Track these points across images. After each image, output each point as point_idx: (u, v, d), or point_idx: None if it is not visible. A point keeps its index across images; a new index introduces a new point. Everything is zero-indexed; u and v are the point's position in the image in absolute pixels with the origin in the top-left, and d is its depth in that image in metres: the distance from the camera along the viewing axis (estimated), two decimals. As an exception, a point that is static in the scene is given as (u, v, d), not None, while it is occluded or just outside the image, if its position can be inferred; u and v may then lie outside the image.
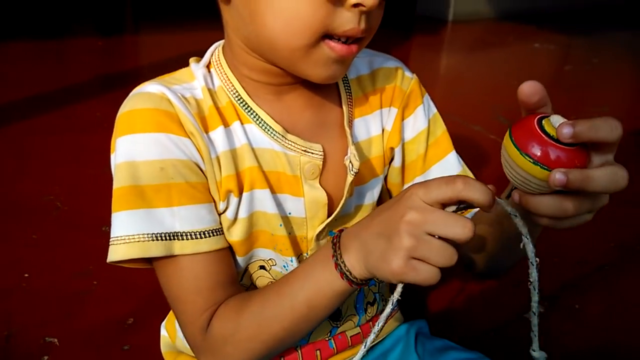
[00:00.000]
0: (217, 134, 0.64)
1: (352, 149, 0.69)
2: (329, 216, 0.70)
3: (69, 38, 3.50)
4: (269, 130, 0.66)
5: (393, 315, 0.85)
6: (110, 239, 0.61)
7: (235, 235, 0.66)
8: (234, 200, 0.65)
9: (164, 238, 0.60)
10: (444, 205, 0.49)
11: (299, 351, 0.74)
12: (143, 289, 1.21)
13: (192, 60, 0.70)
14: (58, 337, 1.10)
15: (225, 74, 0.67)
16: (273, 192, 0.67)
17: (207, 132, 0.63)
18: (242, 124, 0.65)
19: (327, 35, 0.57)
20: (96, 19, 3.67)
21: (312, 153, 0.67)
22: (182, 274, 0.62)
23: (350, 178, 0.68)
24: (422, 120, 0.76)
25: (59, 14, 3.61)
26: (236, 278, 0.67)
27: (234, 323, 0.60)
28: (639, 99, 3.03)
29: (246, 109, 0.66)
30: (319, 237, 0.70)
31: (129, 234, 0.60)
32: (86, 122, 2.19)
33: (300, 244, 0.71)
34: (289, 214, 0.69)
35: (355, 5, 0.55)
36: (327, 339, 0.75)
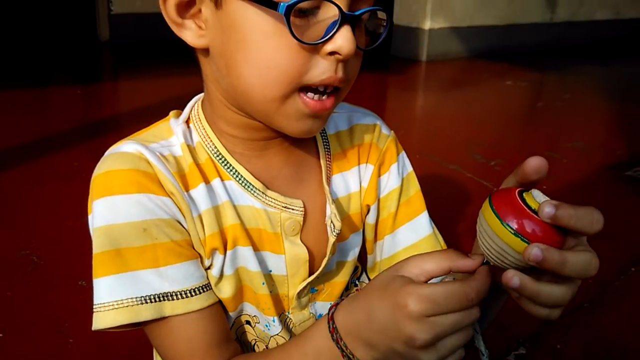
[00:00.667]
0: (199, 192, 0.63)
1: (332, 208, 0.69)
2: (310, 273, 0.69)
3: (47, 87, 3.50)
4: (249, 187, 0.65)
5: None
6: (95, 306, 0.59)
7: (225, 292, 0.65)
8: (219, 257, 0.64)
9: (153, 300, 0.58)
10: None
11: None
12: (120, 348, 1.19)
13: (171, 114, 0.69)
14: (32, 400, 1.07)
15: (204, 129, 0.66)
16: (255, 249, 0.66)
17: (187, 190, 0.62)
18: (222, 180, 0.65)
19: (304, 88, 0.57)
20: (75, 67, 3.68)
21: (293, 209, 0.67)
22: (175, 336, 0.60)
23: (332, 239, 0.68)
24: (395, 178, 0.76)
25: (37, 63, 3.62)
26: (230, 334, 0.66)
27: None
28: (611, 133, 3.11)
29: (225, 165, 0.65)
30: (300, 295, 0.70)
31: (116, 299, 0.58)
32: (64, 172, 2.18)
33: (282, 302, 0.70)
34: (270, 271, 0.68)
35: (332, 54, 0.55)
36: None
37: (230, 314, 0.68)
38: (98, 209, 0.60)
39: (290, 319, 0.72)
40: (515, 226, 0.45)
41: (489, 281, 0.50)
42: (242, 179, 0.65)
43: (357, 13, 0.55)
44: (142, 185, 0.59)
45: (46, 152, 2.38)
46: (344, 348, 0.52)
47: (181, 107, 0.70)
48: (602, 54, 5.61)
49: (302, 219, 0.68)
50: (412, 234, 0.76)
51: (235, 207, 0.65)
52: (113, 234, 0.59)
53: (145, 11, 4.88)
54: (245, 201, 0.65)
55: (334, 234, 0.68)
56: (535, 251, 0.44)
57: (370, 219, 0.76)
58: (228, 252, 0.65)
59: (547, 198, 0.47)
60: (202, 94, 0.70)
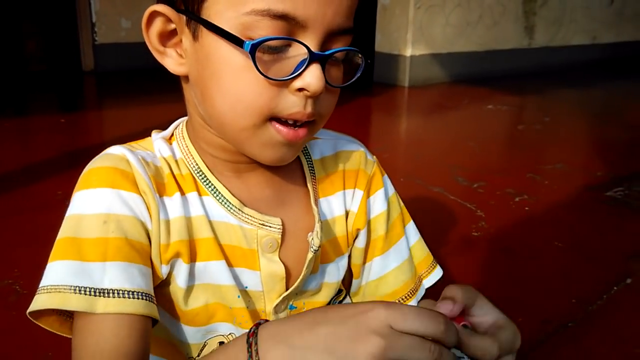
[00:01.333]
0: (173, 200, 0.64)
1: (317, 227, 0.70)
2: (287, 290, 0.70)
3: (31, 116, 3.50)
4: (225, 203, 0.66)
5: None
6: (37, 290, 0.58)
7: (191, 304, 0.65)
8: (183, 266, 0.64)
9: (88, 293, 0.57)
10: None
11: None
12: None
13: (154, 132, 0.71)
14: None
15: (187, 146, 0.68)
16: (229, 265, 0.67)
17: (161, 195, 0.64)
18: (199, 195, 0.66)
19: (275, 119, 0.58)
20: (58, 96, 3.68)
21: (270, 227, 0.68)
22: (99, 335, 0.57)
23: (310, 255, 0.69)
24: (382, 202, 0.78)
25: (19, 92, 3.62)
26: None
27: None
28: (591, 155, 3.16)
29: (204, 181, 0.67)
30: (277, 310, 0.71)
31: (53, 283, 0.57)
32: (47, 201, 2.17)
33: (259, 317, 0.70)
34: (246, 287, 0.69)
35: (300, 90, 0.56)
36: None
37: (195, 329, 0.67)
38: (74, 201, 0.62)
39: None
40: None
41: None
42: (220, 195, 0.67)
43: (327, 53, 0.57)
44: (116, 181, 0.61)
45: (30, 181, 2.37)
46: (253, 349, 0.48)
47: (164, 134, 0.72)
48: (580, 78, 5.74)
49: (279, 236, 0.68)
50: (398, 256, 0.79)
51: (210, 222, 0.66)
52: (77, 223, 0.60)
53: (129, 41, 4.92)
54: (220, 217, 0.66)
55: (312, 249, 0.69)
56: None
57: (360, 243, 0.78)
58: (198, 264, 0.65)
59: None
60: (186, 117, 0.72)
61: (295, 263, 0.71)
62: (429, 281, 0.82)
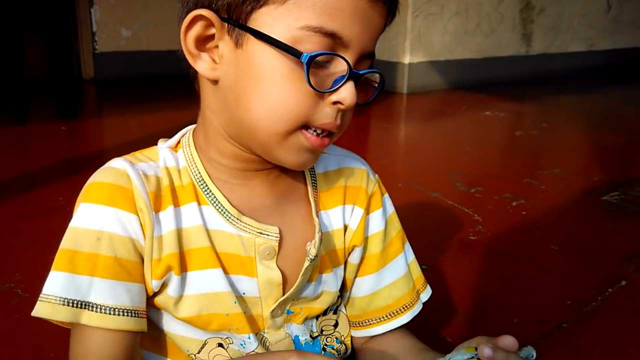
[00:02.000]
0: (167, 214, 0.67)
1: (317, 237, 0.72)
2: (284, 295, 0.72)
3: (31, 123, 3.52)
4: (224, 212, 0.69)
5: None
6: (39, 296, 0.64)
7: (183, 312, 0.68)
8: (174, 278, 0.67)
9: (74, 305, 0.62)
10: None
11: None
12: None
13: (160, 141, 0.74)
14: None
15: (192, 155, 0.70)
16: (226, 272, 0.69)
17: (157, 211, 0.66)
18: (199, 204, 0.68)
19: (305, 126, 0.62)
20: (59, 104, 3.70)
21: (268, 235, 0.70)
22: (86, 346, 0.64)
23: (306, 263, 0.72)
24: (379, 221, 0.81)
25: (20, 101, 3.64)
26: None
27: None
28: (588, 160, 3.18)
29: (205, 190, 0.69)
30: (273, 314, 0.73)
31: (47, 293, 0.63)
32: (49, 207, 2.18)
33: (257, 322, 0.72)
34: (243, 294, 0.71)
35: (335, 103, 0.61)
36: None
37: (195, 329, 0.70)
38: (78, 212, 0.66)
39: (267, 338, 0.74)
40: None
41: None
42: (219, 204, 0.69)
43: (361, 72, 0.62)
44: (114, 199, 0.64)
45: (31, 187, 2.39)
46: None
47: (165, 142, 0.73)
48: (577, 85, 5.76)
49: (277, 244, 0.71)
50: (393, 273, 0.82)
51: (207, 230, 0.68)
52: (75, 236, 0.64)
53: (129, 50, 4.95)
54: (219, 226, 0.69)
55: (308, 258, 0.71)
56: (486, 350, 0.58)
57: (354, 259, 0.81)
58: (190, 273, 0.67)
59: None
60: (194, 125, 0.74)
61: (292, 270, 0.73)
62: (424, 296, 0.86)
